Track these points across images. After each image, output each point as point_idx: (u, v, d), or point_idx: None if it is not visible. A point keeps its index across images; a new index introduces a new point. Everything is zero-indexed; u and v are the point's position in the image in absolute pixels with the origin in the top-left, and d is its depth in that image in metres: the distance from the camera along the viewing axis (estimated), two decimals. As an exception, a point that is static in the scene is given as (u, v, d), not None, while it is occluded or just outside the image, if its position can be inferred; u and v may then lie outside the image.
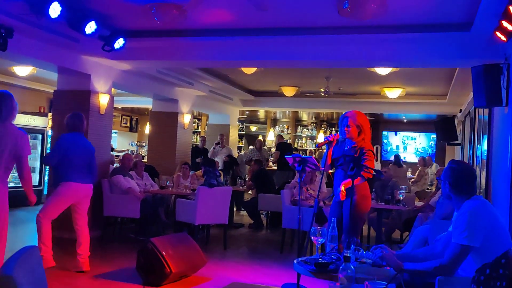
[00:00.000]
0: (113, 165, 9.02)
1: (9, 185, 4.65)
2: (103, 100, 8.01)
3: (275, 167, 12.49)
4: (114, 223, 8.37)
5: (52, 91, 8.43)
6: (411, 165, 15.22)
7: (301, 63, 7.48)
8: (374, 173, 4.87)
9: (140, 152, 15.27)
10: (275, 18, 6.18)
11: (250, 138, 19.04)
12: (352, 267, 2.51)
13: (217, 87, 11.50)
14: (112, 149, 12.66)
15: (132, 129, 17.90)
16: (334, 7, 5.30)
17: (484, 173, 7.33)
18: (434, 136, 15.90)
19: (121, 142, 16.87)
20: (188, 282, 5.49)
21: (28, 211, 9.83)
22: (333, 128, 18.14)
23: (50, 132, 11.04)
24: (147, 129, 13.70)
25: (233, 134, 14.38)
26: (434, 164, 13.85)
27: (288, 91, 11.48)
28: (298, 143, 18.51)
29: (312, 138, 18.49)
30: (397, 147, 17.92)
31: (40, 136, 11.30)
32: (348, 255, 2.60)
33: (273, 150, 14.87)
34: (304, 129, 18.81)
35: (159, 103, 10.85)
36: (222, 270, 6.18)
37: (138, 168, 8.57)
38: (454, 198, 3.12)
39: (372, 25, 6.03)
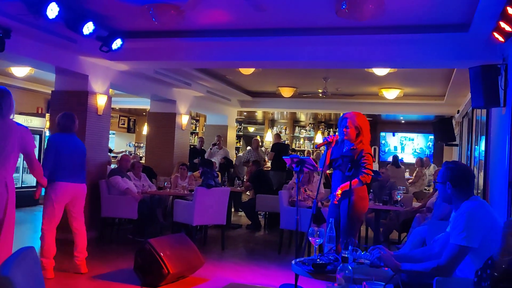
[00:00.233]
0: (110, 166, 9.00)
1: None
2: (100, 100, 8.00)
3: (269, 168, 12.44)
4: (112, 224, 8.36)
5: (50, 91, 8.42)
6: (409, 165, 15.24)
7: (299, 64, 7.48)
8: (372, 174, 4.87)
9: (138, 153, 15.26)
10: (273, 19, 6.18)
11: (248, 139, 19.02)
12: (350, 268, 2.51)
13: (215, 88, 11.50)
14: (110, 151, 12.67)
15: (129, 130, 17.90)
16: (332, 8, 5.31)
17: (481, 174, 7.34)
18: (432, 137, 15.92)
19: (118, 143, 16.86)
20: (185, 283, 5.49)
21: (26, 211, 9.82)
22: (331, 129, 18.15)
23: (47, 133, 11.04)
24: (145, 130, 13.71)
25: (231, 135, 14.38)
26: (432, 165, 13.87)
27: (286, 92, 11.48)
28: (296, 144, 18.52)
29: (310, 139, 18.49)
30: (395, 148, 17.93)
31: (37, 137, 11.28)
32: (346, 255, 2.59)
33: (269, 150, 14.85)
34: (302, 130, 18.82)
35: (157, 103, 10.84)
36: (220, 271, 6.18)
37: (136, 169, 8.56)
38: (454, 199, 3.10)
39: (370, 26, 6.03)
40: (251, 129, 19.85)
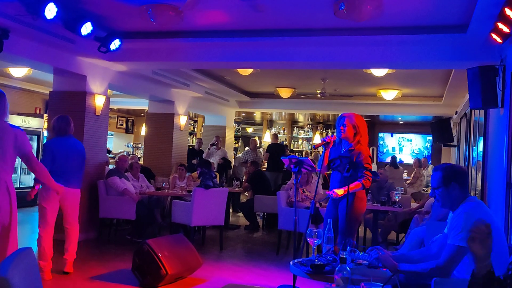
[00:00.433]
0: (108, 166, 9.00)
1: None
2: (99, 101, 7.99)
3: (264, 169, 12.41)
4: (110, 225, 8.35)
5: (48, 92, 8.41)
6: (407, 166, 15.25)
7: (297, 65, 7.48)
8: (372, 176, 4.89)
9: (136, 154, 15.25)
10: (271, 20, 6.18)
11: (246, 139, 19.00)
12: (348, 269, 2.51)
13: (213, 89, 11.50)
14: (109, 151, 12.66)
15: (128, 130, 17.88)
16: (330, 8, 5.31)
17: (479, 175, 7.35)
18: (430, 137, 15.93)
19: (117, 144, 16.84)
20: (184, 284, 5.49)
21: (24, 212, 9.80)
22: (329, 130, 18.15)
23: (45, 133, 11.03)
24: (143, 130, 13.69)
25: (229, 136, 14.37)
26: (430, 166, 13.87)
27: (284, 93, 11.48)
28: (294, 144, 18.52)
29: (308, 139, 18.49)
30: (393, 148, 17.94)
31: (35, 137, 11.27)
32: (344, 256, 2.59)
33: (266, 151, 14.83)
34: (300, 131, 18.82)
35: (155, 104, 10.84)
36: (218, 272, 6.17)
37: (134, 169, 8.56)
38: (456, 200, 3.08)
39: (368, 27, 6.04)
40: (250, 129, 19.84)
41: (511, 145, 5.19)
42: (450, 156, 14.43)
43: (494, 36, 5.07)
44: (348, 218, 4.76)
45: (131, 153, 15.34)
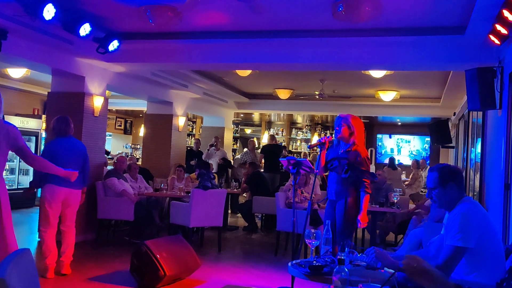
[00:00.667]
0: (107, 167, 8.99)
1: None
2: (97, 102, 7.99)
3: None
4: (108, 226, 8.34)
5: (46, 93, 8.40)
6: (406, 168, 15.26)
7: (295, 66, 7.49)
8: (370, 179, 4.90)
9: (135, 155, 15.23)
10: (270, 21, 6.18)
11: (245, 140, 18.99)
12: (346, 270, 2.51)
13: (211, 90, 11.50)
14: (107, 153, 12.64)
15: (126, 131, 17.86)
16: (329, 10, 5.31)
17: (478, 176, 7.36)
18: (428, 139, 15.95)
19: (115, 145, 16.82)
20: (182, 285, 5.48)
21: (21, 213, 9.79)
22: (328, 131, 18.16)
23: (44, 134, 11.01)
24: (142, 131, 13.68)
25: (228, 137, 14.37)
26: (428, 167, 13.87)
27: (283, 94, 11.48)
28: (292, 145, 18.53)
29: (307, 140, 18.50)
30: (392, 149, 17.96)
31: (34, 138, 11.26)
32: (342, 257, 2.59)
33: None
34: (299, 132, 18.83)
35: (154, 105, 10.83)
36: (216, 273, 6.17)
37: (132, 170, 8.55)
38: (453, 200, 3.09)
39: (367, 28, 6.05)
40: (248, 130, 19.83)
41: (509, 147, 5.20)
42: (448, 158, 14.44)
43: (492, 37, 5.08)
44: (346, 219, 4.76)
45: (129, 154, 15.32)
